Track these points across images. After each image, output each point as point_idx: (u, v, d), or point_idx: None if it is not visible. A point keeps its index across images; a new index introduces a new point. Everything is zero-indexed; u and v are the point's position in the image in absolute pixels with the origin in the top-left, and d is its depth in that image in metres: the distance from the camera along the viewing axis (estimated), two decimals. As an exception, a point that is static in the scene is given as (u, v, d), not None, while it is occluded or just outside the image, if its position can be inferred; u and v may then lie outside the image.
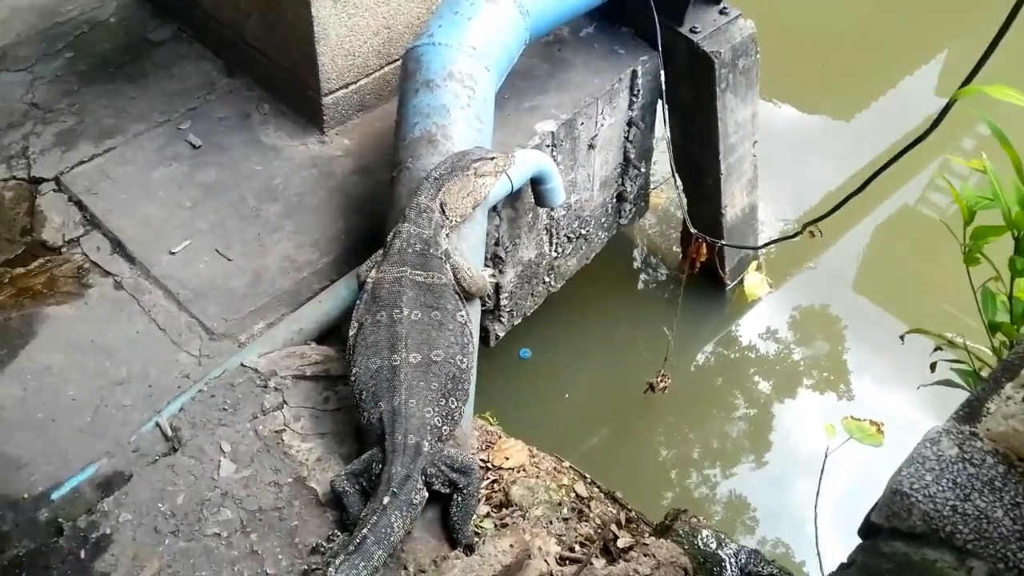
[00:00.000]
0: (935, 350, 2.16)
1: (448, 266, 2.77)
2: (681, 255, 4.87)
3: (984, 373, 1.99)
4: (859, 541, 1.53)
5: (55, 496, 2.60)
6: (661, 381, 4.08)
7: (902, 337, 2.24)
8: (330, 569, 2.20)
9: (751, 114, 4.25)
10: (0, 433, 2.75)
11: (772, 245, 3.46)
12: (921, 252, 5.28)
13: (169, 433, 2.72)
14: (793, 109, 6.20)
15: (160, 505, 2.52)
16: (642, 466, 4.21)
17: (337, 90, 3.68)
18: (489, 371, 3.86)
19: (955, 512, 1.43)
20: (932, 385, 2.23)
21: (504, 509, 2.91)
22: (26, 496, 2.60)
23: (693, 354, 4.63)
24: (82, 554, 2.43)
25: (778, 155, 5.40)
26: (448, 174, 2.86)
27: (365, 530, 2.28)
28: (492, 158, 2.92)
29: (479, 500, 2.65)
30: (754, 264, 4.69)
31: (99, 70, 3.99)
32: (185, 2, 4.08)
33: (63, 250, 3.30)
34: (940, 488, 1.44)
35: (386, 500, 2.33)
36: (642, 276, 5.02)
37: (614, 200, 4.41)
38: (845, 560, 1.51)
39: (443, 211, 2.84)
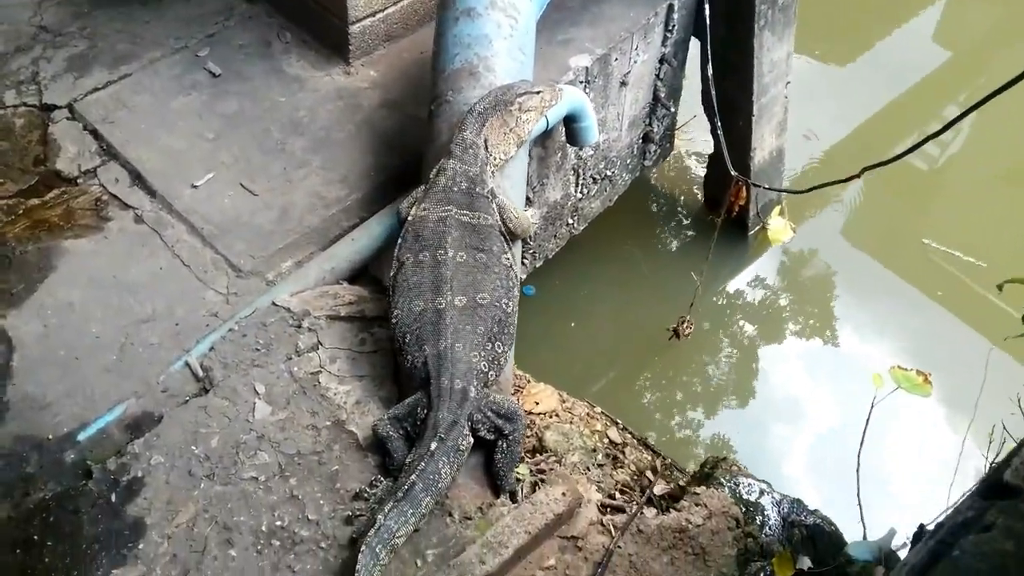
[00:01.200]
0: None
1: (495, 205, 2.66)
2: (704, 198, 4.77)
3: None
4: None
5: (82, 437, 2.50)
6: (686, 327, 4.00)
7: (1000, 287, 2.14)
8: (379, 516, 2.13)
9: (786, 53, 4.11)
10: (21, 371, 2.64)
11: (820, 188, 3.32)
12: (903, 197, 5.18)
13: (200, 373, 2.62)
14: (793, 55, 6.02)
15: (193, 447, 2.43)
16: (668, 410, 4.15)
17: (364, 18, 3.52)
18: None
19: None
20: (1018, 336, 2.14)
21: (538, 455, 2.84)
22: (51, 437, 2.50)
23: (717, 298, 4.54)
24: (113, 497, 2.35)
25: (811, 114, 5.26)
26: (492, 108, 2.73)
27: (413, 476, 2.20)
28: (538, 92, 2.79)
29: (522, 453, 2.58)
30: (777, 209, 4.60)
31: (110, -9, 3.80)
32: (199, -79, 3.87)
33: (79, 181, 3.16)
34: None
35: (433, 446, 2.26)
36: (662, 220, 4.91)
37: (640, 141, 4.28)
38: (956, 521, 1.44)
39: (487, 148, 2.71)
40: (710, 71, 3.80)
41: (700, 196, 4.90)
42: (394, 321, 2.51)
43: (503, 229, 2.66)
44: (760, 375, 4.31)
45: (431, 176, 2.69)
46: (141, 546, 2.24)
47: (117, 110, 3.34)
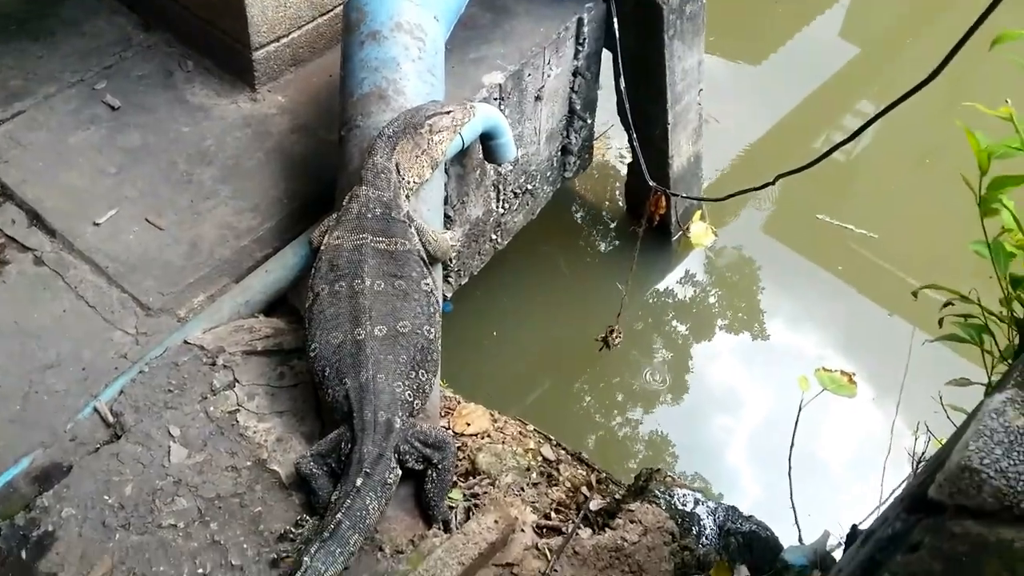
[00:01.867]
0: (945, 304, 2.10)
1: (413, 229, 2.60)
2: (626, 207, 4.78)
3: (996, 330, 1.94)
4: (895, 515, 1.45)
5: (-13, 494, 2.37)
6: (615, 335, 4.00)
7: (915, 294, 2.17)
8: (304, 558, 2.05)
9: (697, 61, 4.15)
10: (-83, 429, 2.49)
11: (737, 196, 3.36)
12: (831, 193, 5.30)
13: (110, 419, 2.50)
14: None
15: (106, 497, 2.32)
16: (598, 419, 4.14)
17: (268, 43, 3.43)
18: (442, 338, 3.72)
19: (1032, 486, 1.34)
20: (937, 341, 2.18)
21: (472, 478, 2.79)
22: (-47, 495, 2.37)
23: (643, 305, 4.56)
24: (23, 554, 2.23)
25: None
26: (402, 131, 2.67)
27: (339, 514, 2.13)
28: (448, 111, 2.75)
29: (454, 473, 2.52)
30: (698, 214, 4.65)
31: (0, 28, 3.64)
32: (92, -50, 3.75)
33: (-27, 225, 3.01)
34: (1012, 462, 1.34)
35: (359, 481, 2.19)
36: (586, 229, 4.92)
37: (559, 153, 4.28)
38: (885, 534, 1.43)
39: (399, 172, 2.65)
40: (622, 84, 3.80)
41: (623, 205, 4.92)
42: (312, 354, 2.43)
43: (423, 253, 2.60)
44: (693, 376, 4.34)
45: (344, 203, 2.62)
46: (54, 607, 2.12)
47: (11, 149, 3.20)
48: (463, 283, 4.05)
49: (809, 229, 4.99)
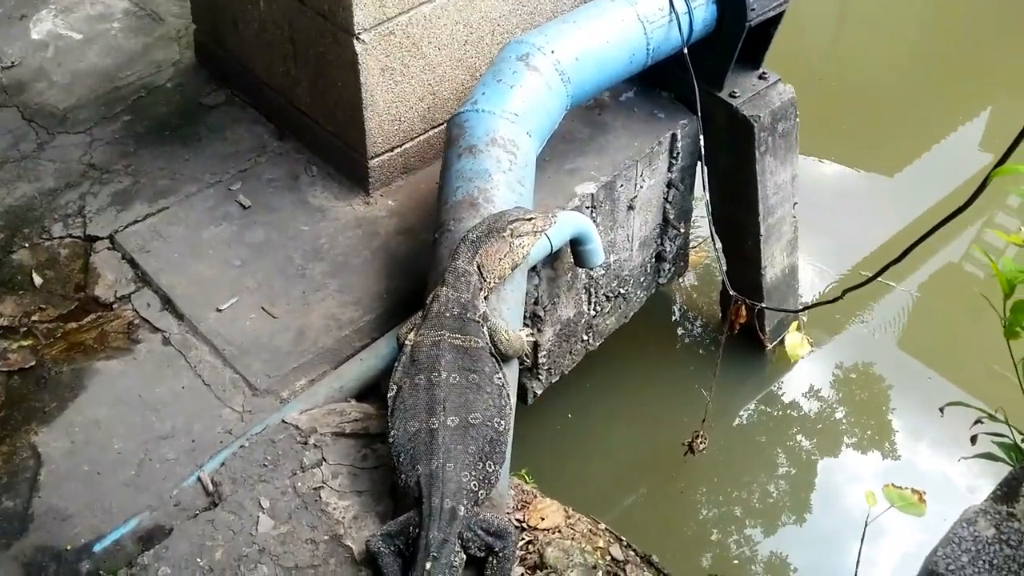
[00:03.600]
0: (975, 423, 2.14)
1: (485, 329, 2.81)
2: (721, 315, 4.87)
3: (1026, 447, 1.97)
4: None
5: (97, 548, 2.66)
6: (700, 442, 4.05)
7: (941, 410, 2.22)
8: None
9: (791, 176, 4.27)
10: (48, 485, 2.83)
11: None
12: (967, 310, 5.21)
13: (210, 488, 2.77)
14: (835, 165, 6.21)
15: (199, 560, 2.57)
16: (680, 527, 4.17)
17: (383, 153, 3.79)
18: (527, 428, 3.87)
19: (991, 593, 1.41)
20: (973, 458, 2.20)
21: (539, 571, 2.90)
22: (69, 547, 2.66)
23: (733, 414, 4.59)
24: (122, 608, 2.48)
25: (819, 212, 5.43)
26: (485, 236, 2.91)
27: None
28: (530, 219, 2.96)
29: (515, 563, 2.65)
30: (795, 324, 4.68)
31: (155, 132, 4.15)
32: (238, 68, 4.24)
33: (114, 306, 3.41)
34: (976, 570, 1.42)
35: (428, 565, 2.34)
36: (681, 334, 5.02)
37: (653, 260, 4.44)
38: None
39: (481, 273, 2.88)
40: (706, 197, 3.96)
41: (720, 311, 5.01)
42: (391, 441, 2.64)
43: (494, 351, 2.80)
44: (776, 488, 4.31)
45: (427, 302, 2.87)
46: (142, 656, 2.36)
47: (153, 240, 3.62)
48: (554, 381, 4.21)
49: (944, 345, 4.94)
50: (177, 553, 2.59)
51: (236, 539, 2.61)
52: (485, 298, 2.89)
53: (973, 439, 2.16)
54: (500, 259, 2.91)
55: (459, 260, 2.87)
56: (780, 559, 4.06)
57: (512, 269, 2.98)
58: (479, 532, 2.48)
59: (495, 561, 2.50)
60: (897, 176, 6.17)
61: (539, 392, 4.15)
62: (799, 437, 4.59)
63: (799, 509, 4.25)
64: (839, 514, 4.19)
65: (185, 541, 2.62)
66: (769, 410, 4.67)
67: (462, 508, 2.48)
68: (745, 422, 4.62)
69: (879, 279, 2.72)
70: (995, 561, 1.43)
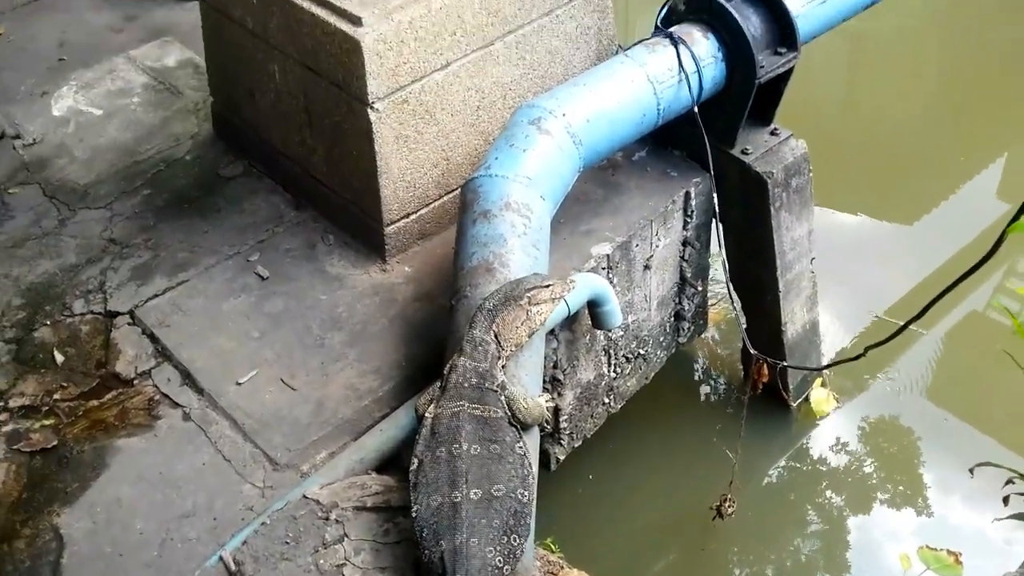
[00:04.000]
0: (1007, 483, 2.10)
1: (503, 398, 2.79)
2: (743, 373, 4.82)
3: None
4: None
5: (120, 632, 2.63)
6: (728, 505, 3.99)
7: (971, 471, 2.18)
8: None
9: (807, 231, 4.25)
10: (70, 567, 2.81)
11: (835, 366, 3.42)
12: (993, 359, 5.14)
13: (232, 568, 2.74)
14: (852, 216, 6.19)
15: (222, 642, 2.53)
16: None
17: (398, 220, 3.81)
18: (551, 495, 3.82)
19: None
20: (1007, 519, 2.16)
21: (568, 645, 2.85)
22: (92, 632, 2.64)
23: (761, 473, 4.52)
24: None
25: (839, 263, 5.39)
26: (502, 304, 2.90)
27: None
28: (547, 286, 2.96)
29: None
30: (819, 380, 4.63)
31: (174, 205, 4.20)
32: (255, 139, 4.30)
33: (135, 382, 3.42)
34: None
35: None
36: (704, 394, 4.97)
37: (672, 319, 4.42)
38: None
39: (498, 342, 2.87)
40: (723, 254, 3.95)
41: (741, 368, 4.96)
42: (414, 516, 2.60)
43: (513, 420, 2.77)
44: (808, 547, 4.22)
45: (445, 372, 2.85)
46: None
47: (173, 314, 3.64)
48: (576, 446, 4.17)
49: (973, 395, 4.88)
50: (199, 636, 2.55)
51: (258, 620, 2.58)
52: (503, 367, 2.88)
53: (1005, 500, 2.11)
54: (517, 327, 2.90)
55: (476, 329, 2.86)
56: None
57: (529, 336, 2.97)
58: (504, 608, 2.44)
59: None
60: (916, 224, 6.14)
61: (562, 458, 4.11)
62: (829, 493, 4.50)
63: (833, 569, 4.16)
64: (874, 573, 4.09)
65: (208, 623, 2.58)
66: (798, 467, 4.60)
67: (486, 585, 2.43)
68: (774, 481, 4.54)
69: (903, 331, 2.69)
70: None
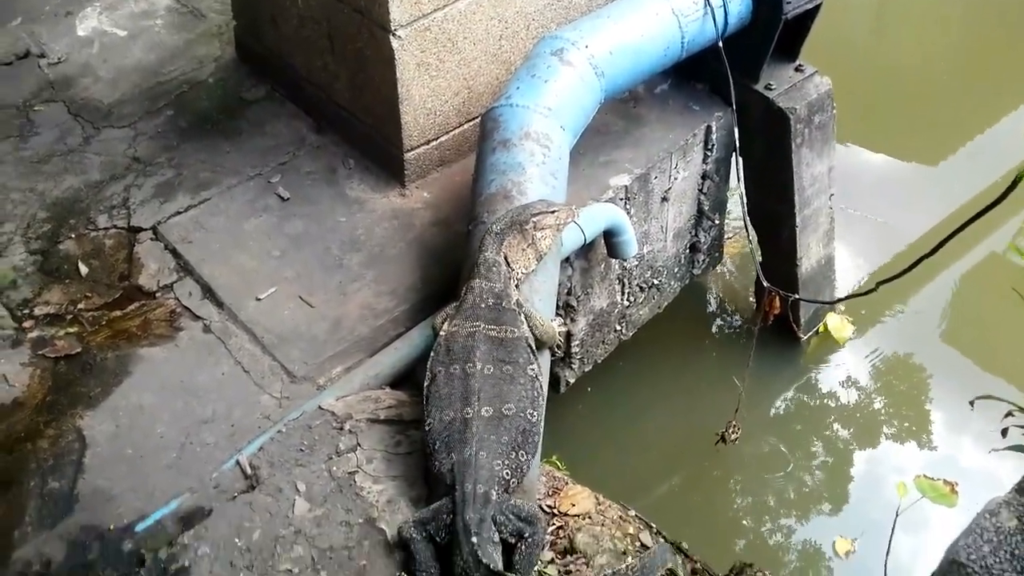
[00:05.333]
0: (1006, 415, 2.13)
1: (522, 316, 2.85)
2: (755, 306, 4.85)
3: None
4: None
5: (139, 528, 2.74)
6: (732, 432, 4.06)
7: (972, 403, 2.21)
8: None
9: (827, 168, 4.25)
10: (92, 467, 2.93)
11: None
12: (1009, 301, 5.12)
13: (248, 471, 2.85)
14: (876, 155, 6.14)
15: (237, 540, 2.64)
16: (712, 515, 4.18)
17: (418, 146, 3.84)
18: (559, 416, 3.90)
19: (1011, 583, 1.42)
20: (1004, 450, 2.20)
21: (568, 556, 2.94)
22: (112, 528, 2.75)
23: (767, 405, 4.58)
24: (162, 584, 2.57)
25: (860, 201, 5.38)
26: (508, 228, 2.95)
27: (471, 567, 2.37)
28: (552, 211, 2.99)
29: (543, 548, 2.69)
30: (835, 312, 4.66)
31: (197, 127, 4.25)
32: (279, 64, 4.32)
33: (157, 295, 3.50)
34: (997, 559, 1.44)
35: (474, 539, 2.39)
36: (716, 325, 5.02)
37: (687, 251, 4.45)
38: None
39: (508, 264, 2.92)
40: (741, 188, 3.96)
41: (754, 302, 5.00)
42: (427, 428, 2.69)
43: (531, 341, 2.84)
44: (810, 479, 4.29)
45: (461, 293, 2.91)
46: (182, 631, 2.44)
47: (195, 231, 3.71)
48: (587, 370, 4.24)
49: (986, 336, 4.89)
50: (216, 534, 2.66)
51: (273, 521, 2.68)
52: (517, 287, 2.93)
53: (1004, 432, 2.15)
54: (524, 250, 2.95)
55: (488, 251, 2.91)
56: (814, 548, 4.05)
57: (537, 261, 3.02)
58: (510, 517, 2.52)
59: (523, 546, 2.54)
60: (941, 165, 6.08)
61: (572, 381, 4.18)
62: (835, 427, 4.56)
63: (835, 499, 4.23)
64: (876, 505, 4.14)
65: (224, 522, 2.69)
66: (805, 400, 4.65)
67: (494, 493, 2.52)
68: (781, 412, 4.61)
69: (916, 268, 2.70)
70: (1017, 552, 1.44)
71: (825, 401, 4.64)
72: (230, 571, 2.56)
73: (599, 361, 4.30)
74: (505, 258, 2.92)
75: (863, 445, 4.46)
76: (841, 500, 4.24)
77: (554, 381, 4.09)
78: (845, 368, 4.76)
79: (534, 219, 2.95)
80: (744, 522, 4.17)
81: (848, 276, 5.04)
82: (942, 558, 1.39)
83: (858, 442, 4.46)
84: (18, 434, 3.04)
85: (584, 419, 4.46)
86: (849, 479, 4.31)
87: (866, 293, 2.90)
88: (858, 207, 5.37)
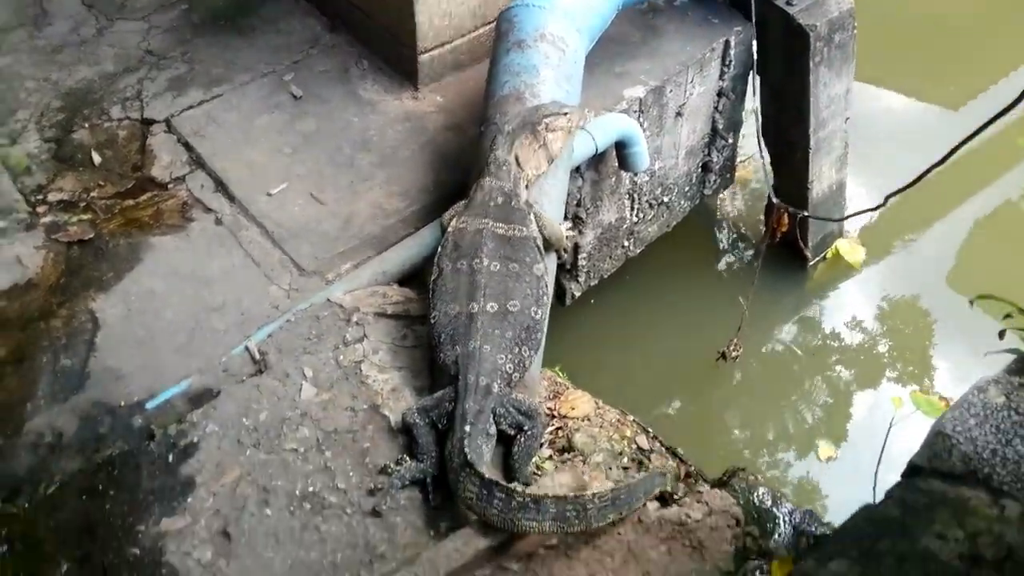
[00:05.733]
0: (1005, 316, 2.15)
1: (531, 216, 2.87)
2: (764, 227, 4.86)
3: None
4: None
5: (149, 406, 2.81)
6: (733, 349, 4.11)
7: (971, 302, 2.23)
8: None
9: (845, 89, 4.20)
10: (104, 347, 2.99)
11: (854, 217, 3.43)
12: (1021, 249, 5.12)
13: (257, 356, 2.90)
14: (896, 96, 6.04)
15: (244, 420, 2.71)
16: (708, 428, 4.25)
17: (432, 49, 3.81)
18: (563, 329, 3.94)
19: (995, 455, 1.47)
20: (999, 353, 2.22)
21: (566, 454, 3.01)
22: (123, 404, 2.83)
23: (770, 327, 4.62)
24: (170, 458, 2.64)
25: (878, 143, 5.29)
26: (520, 128, 2.95)
27: (454, 461, 2.41)
28: (565, 113, 2.99)
29: (541, 444, 2.75)
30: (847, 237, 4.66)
31: (211, 22, 4.22)
32: (294, -40, 4.26)
33: (169, 186, 3.53)
34: (983, 432, 1.48)
35: (467, 428, 2.45)
36: (723, 247, 5.03)
37: (699, 170, 4.43)
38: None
39: (518, 164, 2.93)
40: (756, 104, 3.93)
41: (762, 228, 5.00)
42: (432, 321, 2.73)
43: (539, 241, 2.86)
44: (805, 401, 4.35)
45: (471, 192, 2.93)
46: (189, 500, 2.52)
47: (208, 125, 3.71)
48: (592, 284, 4.27)
49: (993, 282, 4.83)
50: (224, 413, 2.73)
51: (280, 403, 2.74)
52: (526, 188, 2.94)
53: (1001, 334, 2.17)
54: (535, 151, 2.96)
55: (498, 150, 2.92)
56: (804, 458, 4.12)
57: (548, 163, 3.02)
58: (511, 409, 2.58)
59: (522, 439, 2.60)
60: (961, 111, 5.97)
61: (577, 294, 4.22)
62: (832, 355, 4.59)
63: (829, 418, 4.29)
64: (869, 422, 4.20)
65: (232, 403, 2.75)
66: (806, 327, 4.68)
67: (496, 386, 2.57)
68: (782, 336, 4.64)
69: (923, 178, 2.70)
70: (1002, 426, 1.48)
71: (825, 330, 4.65)
72: (237, 448, 2.64)
73: (605, 276, 4.32)
74: (516, 158, 2.93)
75: (863, 385, 4.45)
76: (835, 419, 4.29)
77: (560, 293, 4.13)
78: (850, 300, 4.75)
79: (546, 120, 2.95)
80: (737, 433, 4.24)
81: (859, 206, 4.99)
82: (928, 431, 1.43)
83: (853, 372, 4.48)
84: (32, 313, 3.10)
85: (587, 333, 4.50)
86: (845, 404, 4.35)
87: (875, 208, 2.91)
88: (875, 149, 5.27)
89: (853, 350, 4.61)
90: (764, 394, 4.38)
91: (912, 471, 1.46)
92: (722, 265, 4.93)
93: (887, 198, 2.85)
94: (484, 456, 2.46)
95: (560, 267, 3.97)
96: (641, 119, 3.84)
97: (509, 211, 2.87)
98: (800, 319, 4.69)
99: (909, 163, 5.21)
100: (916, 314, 4.83)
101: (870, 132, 5.18)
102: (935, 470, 1.40)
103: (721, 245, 5.04)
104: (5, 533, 2.54)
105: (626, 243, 4.28)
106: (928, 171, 2.56)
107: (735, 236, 5.06)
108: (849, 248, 4.57)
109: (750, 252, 4.95)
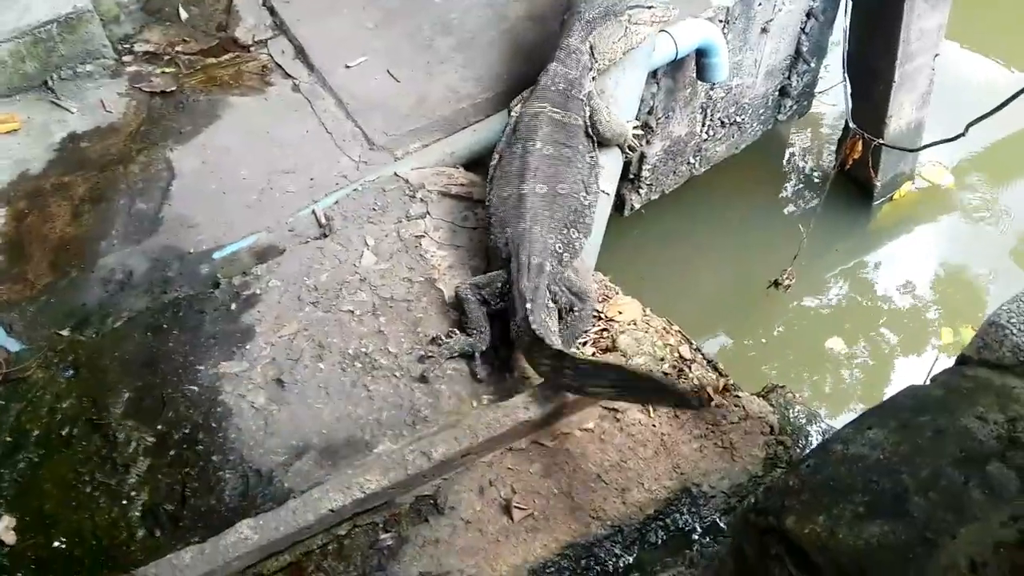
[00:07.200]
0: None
1: (587, 108, 2.88)
2: (836, 152, 4.77)
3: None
4: None
5: (217, 256, 2.93)
6: (787, 278, 4.10)
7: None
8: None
9: (938, 24, 4.08)
10: (178, 196, 3.10)
11: (930, 148, 3.36)
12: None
13: (323, 221, 2.99)
14: (990, 62, 5.70)
15: (305, 279, 2.81)
16: (751, 348, 4.28)
17: (522, -65, 3.76)
18: (617, 238, 3.95)
19: (1048, 349, 1.47)
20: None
21: (608, 354, 3.07)
22: (192, 251, 2.95)
23: (828, 261, 4.57)
24: (232, 306, 2.76)
25: (961, 92, 5.06)
26: (602, 18, 2.93)
27: (525, 337, 2.47)
28: (650, 7, 2.97)
29: (586, 331, 2.81)
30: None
31: None
32: None
33: (251, 49, 3.59)
34: (1037, 323, 1.48)
35: (528, 306, 2.50)
36: (789, 179, 4.96)
37: (776, 93, 4.36)
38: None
39: (592, 54, 2.92)
40: (846, 23, 3.82)
41: (832, 163, 4.91)
42: (487, 204, 2.79)
43: (591, 131, 2.87)
44: (852, 337, 4.33)
45: (538, 78, 2.94)
46: (248, 347, 2.64)
47: (293, -8, 3.74)
48: (653, 198, 4.27)
49: None
50: (288, 270, 2.83)
51: (341, 267, 2.84)
52: (593, 78, 2.94)
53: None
54: (614, 43, 2.95)
55: (572, 38, 2.92)
56: (846, 387, 4.13)
57: (624, 54, 3.01)
58: (563, 288, 2.64)
59: (570, 318, 2.67)
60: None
61: (637, 205, 4.23)
62: (888, 295, 4.52)
63: (873, 358, 4.28)
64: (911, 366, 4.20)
65: (296, 261, 2.86)
66: (863, 269, 4.60)
67: (548, 264, 2.62)
68: (837, 273, 4.58)
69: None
70: (1057, 319, 1.48)
71: (879, 279, 4.59)
72: (297, 304, 2.74)
73: (667, 191, 4.32)
74: (591, 47, 2.92)
75: (907, 349, 4.40)
76: (878, 360, 4.27)
77: (619, 203, 4.13)
78: (909, 246, 4.67)
79: (630, 11, 2.93)
80: (778, 358, 4.25)
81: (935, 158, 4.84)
82: (983, 320, 1.45)
83: (903, 326, 4.40)
84: (112, 156, 3.21)
85: (641, 246, 4.51)
86: (890, 347, 4.31)
87: (955, 138, 2.86)
88: (959, 97, 5.04)
89: (901, 309, 4.52)
90: (808, 326, 4.36)
91: (960, 361, 1.49)
92: (785, 194, 4.87)
93: (968, 126, 2.80)
94: (552, 328, 2.53)
95: (623, 177, 3.97)
96: (726, 29, 3.77)
97: (568, 99, 2.88)
98: (857, 263, 4.61)
99: (994, 133, 5.02)
100: (972, 283, 4.69)
101: (957, 83, 4.99)
102: (984, 361, 1.43)
103: (787, 175, 4.96)
104: (72, 359, 2.69)
105: (692, 160, 4.25)
106: (1012, 98, 2.50)
107: (803, 169, 4.98)
108: (935, 173, 4.46)
109: (816, 188, 4.87)
